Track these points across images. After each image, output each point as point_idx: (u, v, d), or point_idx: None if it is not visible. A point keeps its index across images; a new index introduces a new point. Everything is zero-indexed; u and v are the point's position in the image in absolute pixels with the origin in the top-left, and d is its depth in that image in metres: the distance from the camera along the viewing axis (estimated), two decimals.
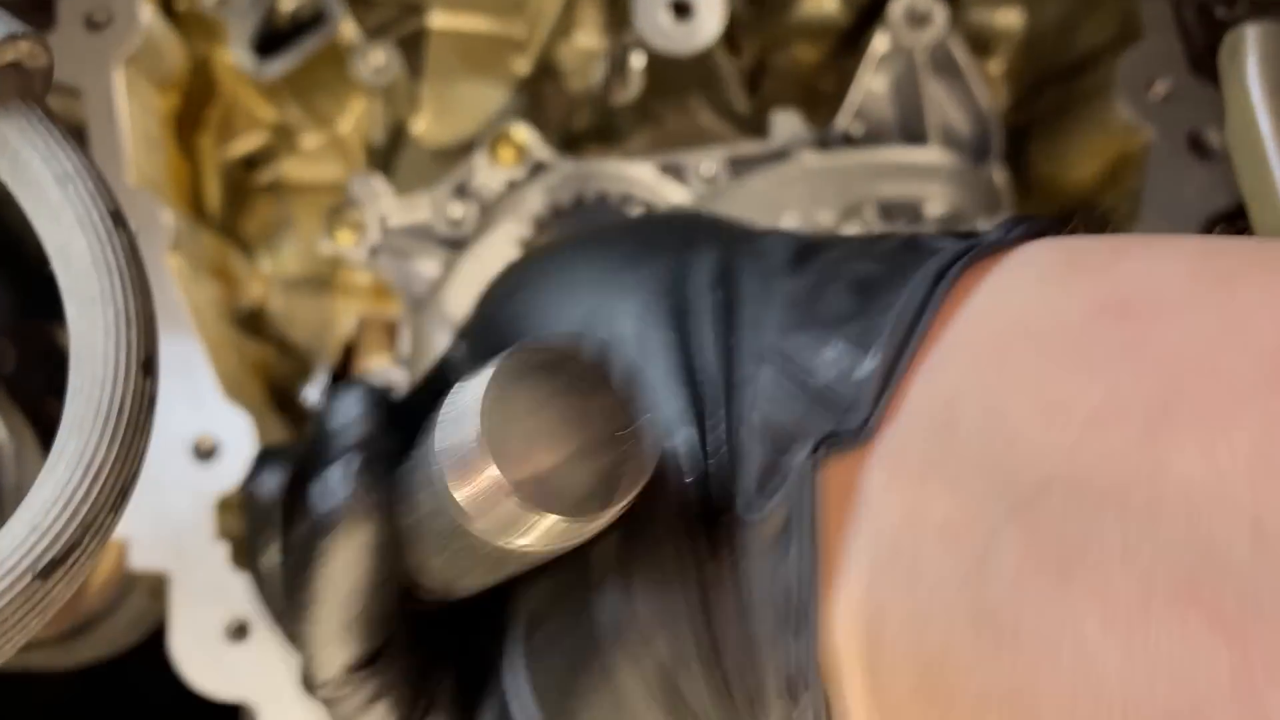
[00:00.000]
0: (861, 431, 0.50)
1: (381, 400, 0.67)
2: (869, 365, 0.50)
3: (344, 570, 0.58)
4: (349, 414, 0.65)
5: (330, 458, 0.61)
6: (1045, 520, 0.43)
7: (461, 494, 0.50)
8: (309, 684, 0.62)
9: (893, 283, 0.53)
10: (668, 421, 0.55)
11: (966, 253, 0.52)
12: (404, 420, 0.65)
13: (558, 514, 0.48)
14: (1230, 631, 0.37)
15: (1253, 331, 0.42)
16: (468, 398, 0.50)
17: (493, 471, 0.48)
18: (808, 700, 0.50)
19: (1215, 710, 0.37)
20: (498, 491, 0.48)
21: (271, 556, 0.72)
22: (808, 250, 0.59)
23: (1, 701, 1.68)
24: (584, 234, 0.71)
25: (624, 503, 0.50)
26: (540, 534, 0.49)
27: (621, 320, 0.59)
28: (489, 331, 0.70)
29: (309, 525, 0.60)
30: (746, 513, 0.53)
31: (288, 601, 0.63)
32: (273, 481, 0.71)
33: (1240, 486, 0.39)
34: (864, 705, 0.50)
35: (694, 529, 0.53)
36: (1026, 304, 0.49)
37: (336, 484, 0.60)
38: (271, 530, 0.70)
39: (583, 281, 0.64)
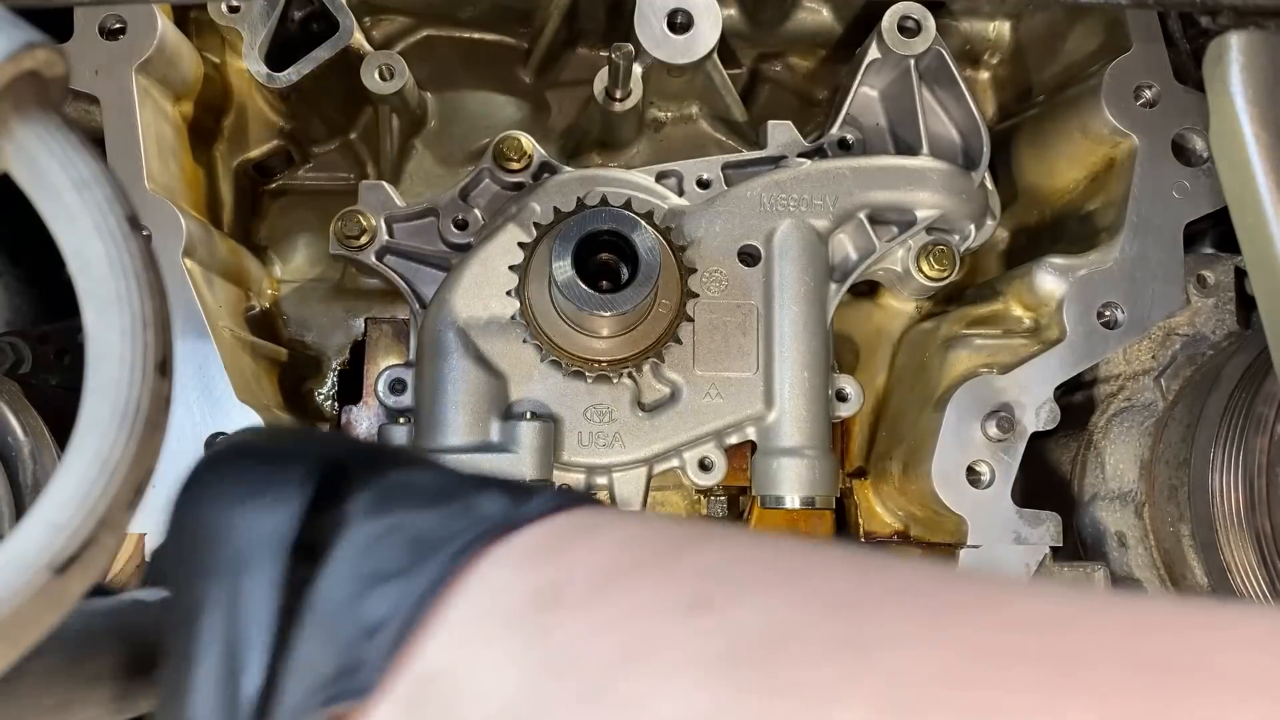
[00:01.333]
0: (360, 691, 0.59)
1: None
2: (384, 634, 0.60)
3: None
4: None
5: None
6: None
7: None
8: None
9: (438, 549, 0.62)
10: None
11: (492, 530, 0.62)
12: None
13: None
14: None
15: (609, 633, 0.54)
16: None
17: None
18: None
19: None
20: None
21: None
22: (392, 495, 0.67)
23: None
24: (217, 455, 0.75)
25: None
26: None
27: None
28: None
29: None
30: None
31: None
32: None
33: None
34: None
35: None
36: (497, 587, 0.60)
37: None
38: None
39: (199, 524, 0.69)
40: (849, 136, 1.45)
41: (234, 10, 1.41)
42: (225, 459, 0.72)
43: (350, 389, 1.53)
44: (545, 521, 0.63)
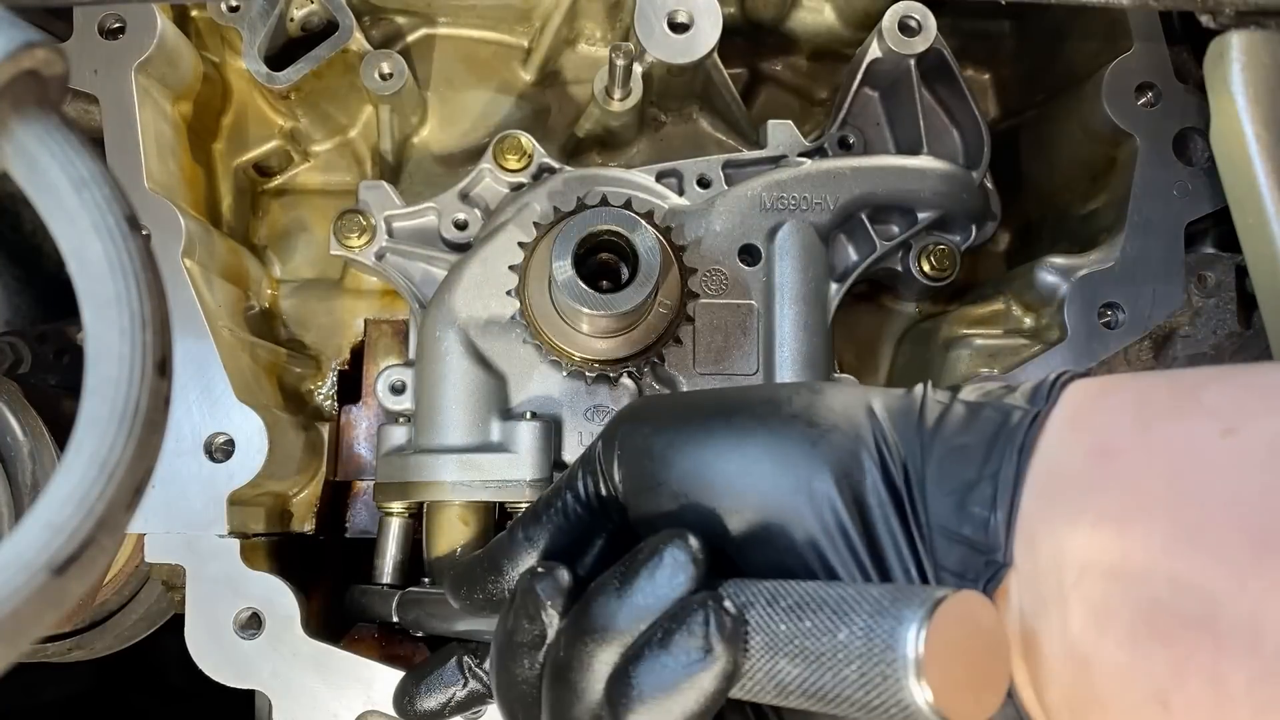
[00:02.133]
0: (1002, 568, 0.78)
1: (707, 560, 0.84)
2: (996, 521, 0.79)
3: (701, 696, 0.76)
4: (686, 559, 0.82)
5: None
6: (1086, 592, 0.73)
7: (926, 698, 0.69)
8: None
9: (990, 450, 0.80)
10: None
11: (1031, 424, 0.80)
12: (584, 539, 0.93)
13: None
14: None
15: (1162, 465, 0.73)
16: (908, 644, 0.70)
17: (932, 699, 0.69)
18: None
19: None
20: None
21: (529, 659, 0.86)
22: (922, 423, 0.84)
23: (30, 681, 1.71)
24: (737, 393, 0.93)
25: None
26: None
27: (819, 503, 0.82)
28: (654, 477, 0.89)
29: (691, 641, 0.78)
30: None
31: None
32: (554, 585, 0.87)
33: (1159, 557, 0.70)
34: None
35: None
36: (1056, 454, 0.78)
37: (729, 625, 0.76)
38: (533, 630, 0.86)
39: (758, 455, 0.85)
40: (849, 136, 1.45)
41: (233, 10, 1.40)
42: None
43: (350, 389, 1.53)
44: (1067, 393, 0.81)
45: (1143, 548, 0.70)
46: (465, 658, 1.07)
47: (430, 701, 1.07)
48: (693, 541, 0.81)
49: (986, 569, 0.79)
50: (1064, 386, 0.82)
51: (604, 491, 0.92)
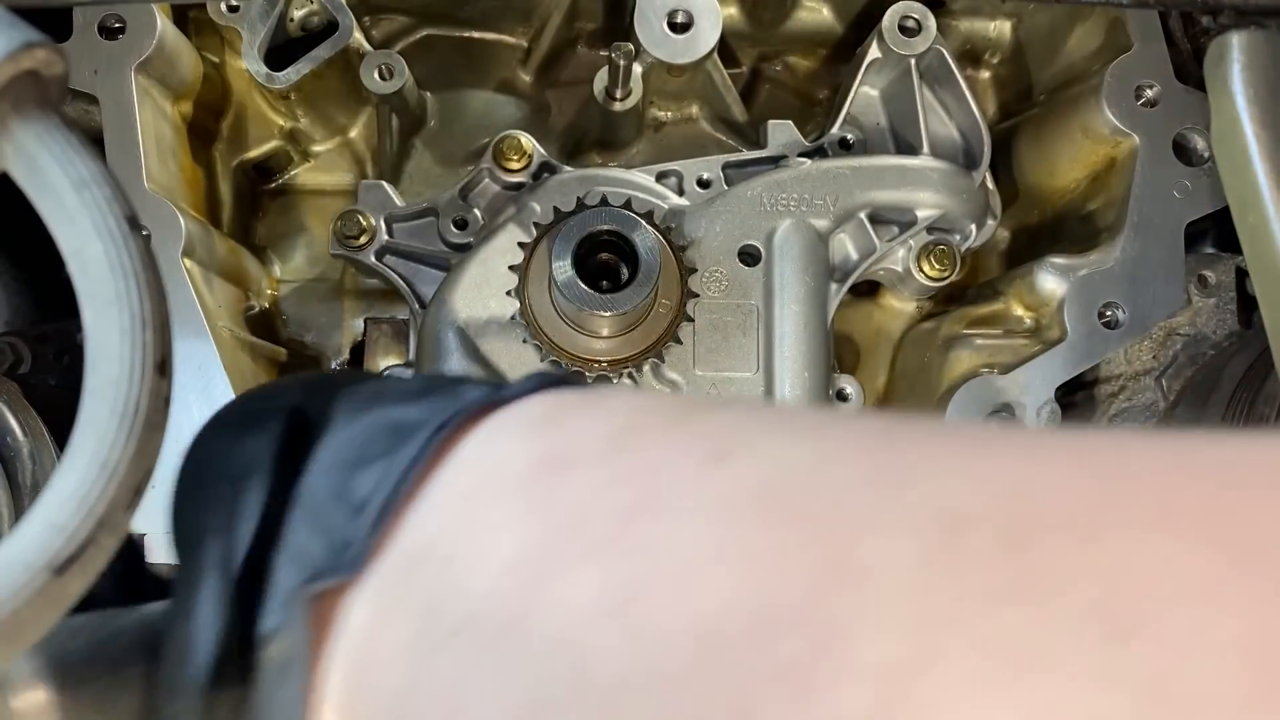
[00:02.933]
0: (348, 567, 0.59)
1: None
2: (369, 510, 0.59)
3: None
4: None
5: None
6: (463, 650, 0.53)
7: None
8: None
9: (417, 425, 0.61)
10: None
11: (468, 407, 0.61)
12: None
13: None
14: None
15: (623, 485, 0.53)
16: None
17: None
18: None
19: None
20: None
21: None
22: (373, 395, 0.67)
23: None
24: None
25: None
26: None
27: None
28: None
29: None
30: (265, 629, 0.61)
31: None
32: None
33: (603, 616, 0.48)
34: None
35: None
36: (495, 456, 0.59)
37: None
38: None
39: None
40: (849, 136, 1.45)
41: (233, 10, 1.41)
42: (212, 419, 0.73)
43: None
44: (539, 396, 0.63)
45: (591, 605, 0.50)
46: None
47: None
48: None
49: (326, 563, 0.60)
50: (548, 386, 0.64)
51: None
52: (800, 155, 1.41)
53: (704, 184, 1.39)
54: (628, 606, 0.47)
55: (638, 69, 1.41)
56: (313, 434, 0.66)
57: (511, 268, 1.29)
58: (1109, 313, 1.33)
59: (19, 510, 1.20)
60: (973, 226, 1.43)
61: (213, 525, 0.65)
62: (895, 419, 0.54)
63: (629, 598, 0.48)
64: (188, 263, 1.29)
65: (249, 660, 0.61)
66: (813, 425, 0.56)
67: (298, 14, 1.43)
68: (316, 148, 1.59)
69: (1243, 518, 0.39)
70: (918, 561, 0.41)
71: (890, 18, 1.41)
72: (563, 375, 0.66)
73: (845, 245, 1.40)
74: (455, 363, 1.31)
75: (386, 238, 1.40)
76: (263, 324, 1.52)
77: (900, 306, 1.55)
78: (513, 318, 1.30)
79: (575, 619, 0.49)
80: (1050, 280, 1.35)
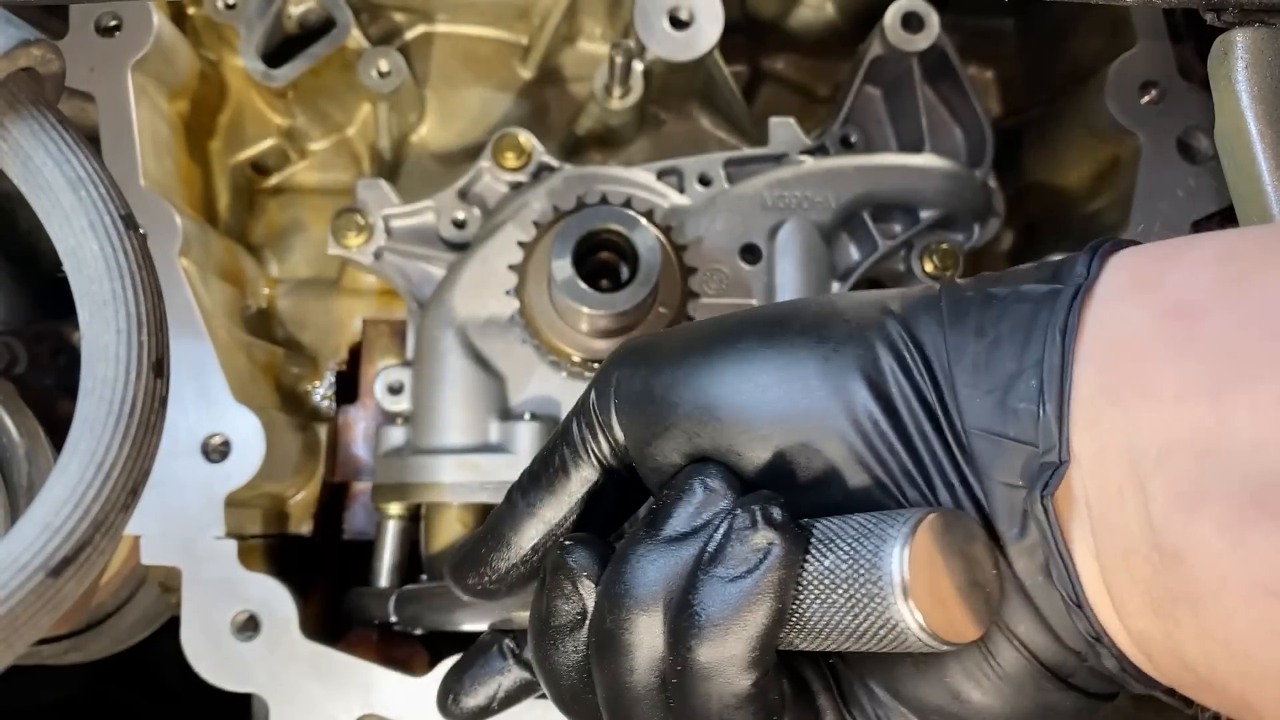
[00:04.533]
0: (1061, 463, 0.69)
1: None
2: (1046, 414, 0.69)
3: (774, 596, 0.71)
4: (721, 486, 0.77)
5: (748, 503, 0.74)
6: (1170, 475, 0.64)
7: (916, 618, 0.69)
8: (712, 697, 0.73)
9: (1029, 338, 0.72)
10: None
11: (1073, 299, 0.71)
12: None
13: (954, 641, 0.70)
14: None
15: (1259, 324, 0.63)
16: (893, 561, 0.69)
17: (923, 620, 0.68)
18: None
19: None
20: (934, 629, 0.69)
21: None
22: (949, 321, 0.77)
23: (26, 683, 1.70)
24: (737, 317, 0.85)
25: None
26: (933, 644, 0.69)
27: (835, 408, 0.76)
28: (659, 421, 0.81)
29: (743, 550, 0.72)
30: (1008, 537, 0.72)
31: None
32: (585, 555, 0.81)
33: (1273, 428, 0.60)
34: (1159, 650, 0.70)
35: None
36: (1118, 325, 0.69)
37: (776, 515, 0.72)
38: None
39: (770, 380, 0.78)
40: (851, 134, 1.45)
41: (230, 7, 1.40)
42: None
43: (348, 389, 1.53)
44: (1117, 260, 0.73)
45: (1248, 418, 0.61)
46: (506, 643, 0.96)
47: (478, 697, 0.95)
48: (717, 470, 0.77)
49: (1042, 472, 0.69)
50: (1108, 256, 0.73)
51: (605, 445, 0.85)
52: (802, 153, 1.40)
53: (705, 182, 1.39)
54: None
55: (638, 66, 1.41)
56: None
57: (511, 267, 1.28)
58: None
59: (15, 511, 1.19)
60: (976, 225, 1.42)
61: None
62: None
63: None
64: (184, 262, 1.28)
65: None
66: None
67: (295, 11, 1.42)
68: (314, 146, 1.58)
69: None
70: None
71: (893, 15, 1.40)
72: (1113, 242, 0.75)
73: (847, 244, 1.40)
74: (454, 363, 1.31)
75: (385, 237, 1.39)
76: (260, 324, 1.51)
77: None
78: (512, 317, 1.29)
79: (1264, 424, 0.60)
80: None
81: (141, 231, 0.59)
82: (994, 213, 1.45)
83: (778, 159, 1.40)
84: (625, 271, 1.25)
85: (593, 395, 0.86)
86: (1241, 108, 1.19)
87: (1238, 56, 1.19)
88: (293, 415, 1.44)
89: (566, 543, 0.82)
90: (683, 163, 1.40)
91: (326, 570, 1.48)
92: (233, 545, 1.24)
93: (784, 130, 1.43)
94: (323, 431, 1.49)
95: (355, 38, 1.44)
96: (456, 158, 1.55)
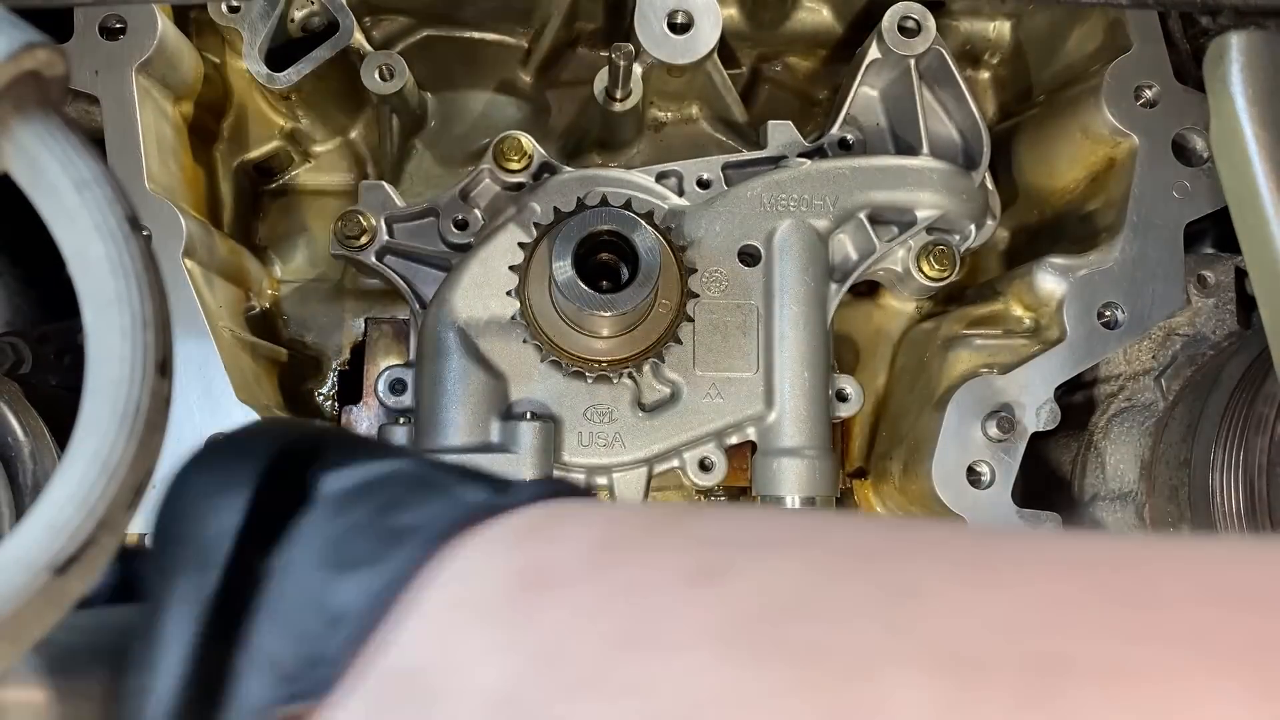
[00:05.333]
0: (320, 688, 0.55)
1: None
2: (347, 624, 0.56)
3: None
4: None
5: None
6: None
7: None
8: None
9: (407, 532, 0.58)
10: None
11: (478, 513, 0.58)
12: None
13: None
14: None
15: (608, 610, 0.50)
16: None
17: None
18: None
19: None
20: None
21: None
22: (366, 488, 0.63)
23: None
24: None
25: None
26: None
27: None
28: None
29: None
30: None
31: None
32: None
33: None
34: None
35: None
36: (481, 571, 0.56)
37: None
38: None
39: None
40: (849, 136, 1.45)
41: (234, 10, 1.40)
42: (201, 454, 0.67)
43: (350, 389, 1.53)
44: (531, 508, 0.59)
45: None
46: None
47: None
48: None
49: (298, 687, 0.56)
50: (542, 498, 0.60)
51: None
52: (800, 155, 1.41)
53: (704, 184, 1.39)
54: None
55: (638, 69, 1.41)
56: (290, 499, 0.62)
57: (512, 268, 1.29)
58: (1108, 313, 1.33)
59: (20, 510, 1.20)
60: (972, 227, 1.43)
61: (178, 592, 0.59)
62: (887, 523, 0.50)
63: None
64: (189, 263, 1.29)
65: None
66: (803, 534, 0.53)
67: (298, 15, 1.42)
68: (317, 148, 1.59)
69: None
70: (936, 713, 0.38)
71: (890, 18, 1.41)
72: (573, 485, 0.63)
73: (845, 245, 1.40)
74: (455, 363, 1.32)
75: (387, 238, 1.40)
76: (263, 324, 1.52)
77: (900, 307, 1.55)
78: (513, 318, 1.30)
79: None
80: (1049, 280, 1.35)
81: (146, 233, 0.59)
82: (990, 214, 1.45)
83: (776, 161, 1.41)
84: (625, 272, 1.26)
85: None
86: (1237, 110, 1.20)
87: (1233, 59, 1.20)
88: (296, 414, 1.44)
89: None
90: (682, 165, 1.41)
91: None
92: None
93: (782, 133, 1.43)
94: None
95: (358, 41, 1.44)
96: (458, 160, 1.56)
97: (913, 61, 1.42)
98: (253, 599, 0.59)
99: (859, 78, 1.45)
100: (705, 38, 1.38)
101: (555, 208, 1.29)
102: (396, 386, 1.38)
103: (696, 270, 1.30)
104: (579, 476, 1.34)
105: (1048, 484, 1.47)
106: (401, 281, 1.41)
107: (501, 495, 0.60)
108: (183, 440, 1.23)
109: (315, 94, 1.50)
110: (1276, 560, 0.41)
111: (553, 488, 0.62)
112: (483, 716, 0.50)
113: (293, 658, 0.57)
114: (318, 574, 0.58)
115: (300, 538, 0.60)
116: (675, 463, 1.35)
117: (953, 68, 1.43)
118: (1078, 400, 1.44)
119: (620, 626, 0.49)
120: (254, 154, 1.57)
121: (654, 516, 0.59)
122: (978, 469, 1.31)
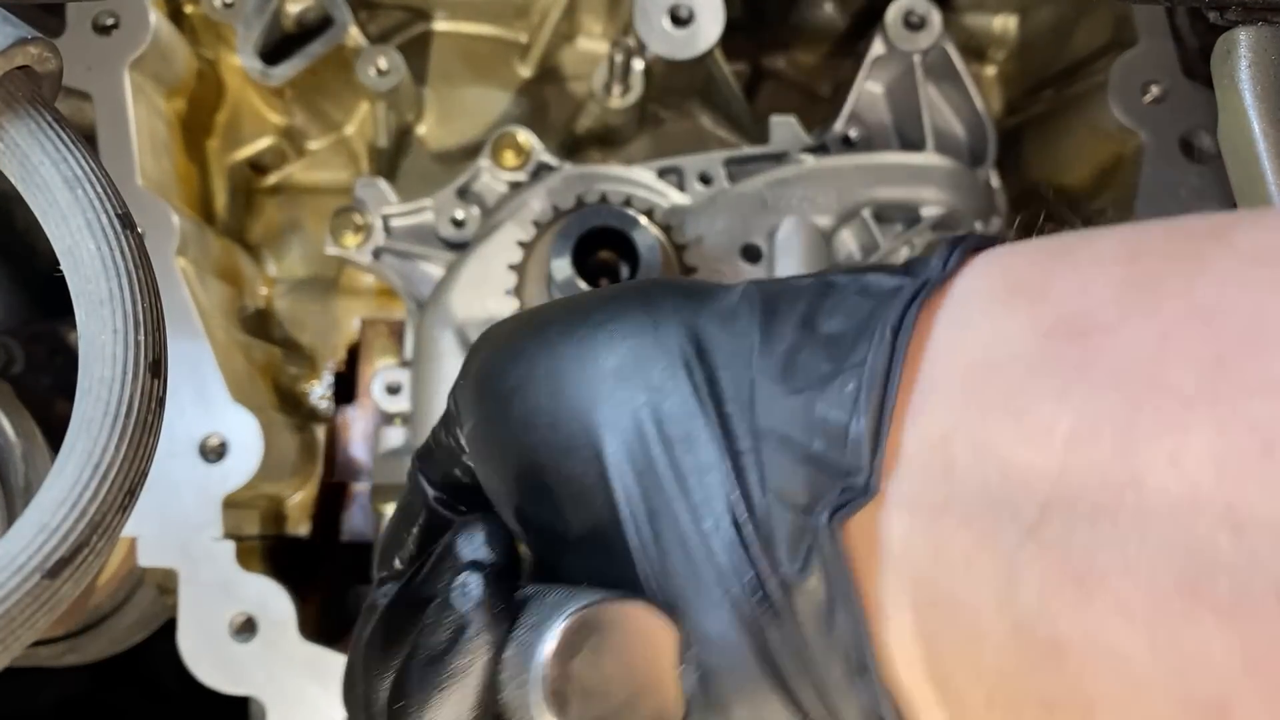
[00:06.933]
0: (866, 491, 0.54)
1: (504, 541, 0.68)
2: (857, 427, 0.55)
3: (470, 679, 0.61)
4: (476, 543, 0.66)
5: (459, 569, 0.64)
6: (1052, 541, 0.47)
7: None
8: None
9: (858, 336, 0.57)
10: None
11: (916, 295, 0.57)
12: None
13: None
14: (1230, 619, 0.42)
15: (1183, 342, 0.46)
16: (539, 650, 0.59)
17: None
18: None
19: (1233, 690, 0.42)
20: None
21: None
22: (771, 306, 0.62)
23: (23, 685, 1.70)
24: (563, 307, 0.72)
25: None
26: None
27: (613, 415, 0.62)
28: (491, 404, 0.70)
29: (443, 623, 0.62)
30: (789, 574, 0.57)
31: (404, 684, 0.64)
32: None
33: (1208, 487, 0.43)
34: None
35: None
36: (981, 336, 0.54)
37: (473, 590, 0.62)
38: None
39: (569, 367, 0.65)
40: (853, 133, 1.44)
41: (228, 5, 1.40)
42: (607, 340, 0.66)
43: (346, 389, 1.52)
44: (979, 264, 0.57)
45: (1171, 474, 0.43)
46: None
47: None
48: (481, 533, 0.66)
49: (842, 496, 0.55)
50: (971, 253, 0.58)
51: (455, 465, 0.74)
52: (803, 152, 1.40)
53: (705, 181, 1.38)
54: (1271, 453, 0.41)
55: (638, 65, 1.41)
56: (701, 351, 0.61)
57: (510, 266, 1.28)
58: None
59: (12, 512, 1.19)
60: (978, 224, 1.42)
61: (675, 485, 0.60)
62: None
63: (1270, 442, 0.41)
64: (182, 261, 1.28)
65: (771, 607, 0.57)
66: None
67: (293, 9, 1.42)
68: (312, 144, 1.58)
69: None
70: None
71: (894, 13, 1.40)
72: (979, 239, 0.60)
73: (848, 243, 1.39)
74: (453, 362, 1.30)
75: (383, 236, 1.39)
76: (257, 324, 1.51)
77: None
78: None
79: (1194, 481, 0.43)
80: None
81: (139, 231, 0.59)
82: (996, 211, 1.44)
83: (779, 158, 1.40)
84: (625, 270, 1.25)
85: (455, 388, 0.77)
86: (1245, 106, 1.19)
87: (1241, 55, 1.19)
88: (291, 416, 1.44)
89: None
90: (683, 161, 1.39)
91: (325, 571, 1.48)
92: (230, 546, 1.24)
93: (785, 129, 1.42)
94: (321, 432, 1.48)
95: (353, 36, 1.43)
96: (455, 156, 1.55)
97: (917, 57, 1.41)
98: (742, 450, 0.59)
99: (863, 73, 1.44)
100: (707, 32, 1.37)
101: (554, 205, 1.29)
102: (392, 387, 1.37)
103: (697, 268, 1.29)
104: None
105: None
106: (398, 280, 1.39)
107: (926, 263, 0.59)
108: (176, 440, 1.22)
109: (310, 90, 1.49)
110: None
111: (968, 243, 0.59)
112: (1066, 455, 0.48)
113: (806, 482, 0.57)
114: (796, 401, 0.58)
115: (759, 379, 0.59)
116: None
117: (958, 63, 1.42)
118: None
119: (1213, 347, 0.45)
120: (248, 151, 1.55)
121: (1159, 242, 0.52)
122: None
